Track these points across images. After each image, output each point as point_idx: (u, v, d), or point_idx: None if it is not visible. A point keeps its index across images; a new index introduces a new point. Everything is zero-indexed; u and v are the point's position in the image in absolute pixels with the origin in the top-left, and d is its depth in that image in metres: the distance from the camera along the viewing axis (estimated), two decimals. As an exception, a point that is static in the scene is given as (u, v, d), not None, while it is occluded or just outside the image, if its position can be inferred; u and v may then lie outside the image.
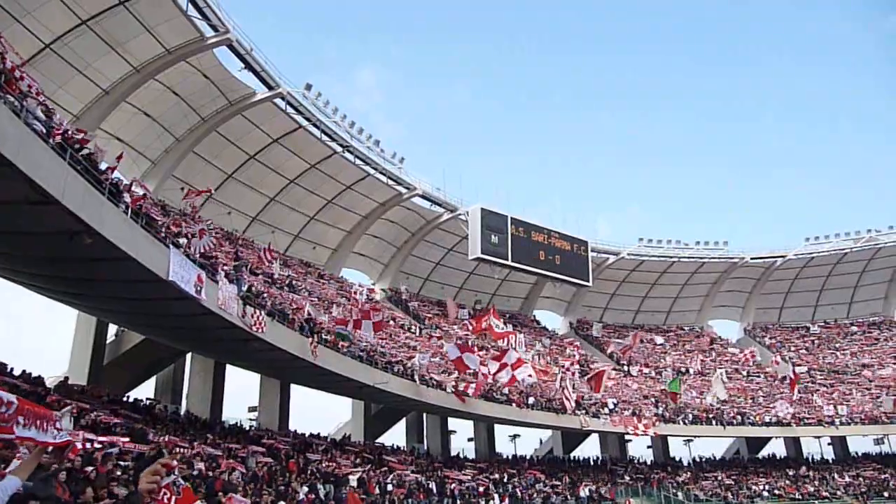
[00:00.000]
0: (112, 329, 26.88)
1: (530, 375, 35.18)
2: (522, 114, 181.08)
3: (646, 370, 51.68)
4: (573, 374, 42.48)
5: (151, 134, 31.44)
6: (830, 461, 49.31)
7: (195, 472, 15.37)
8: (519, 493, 31.91)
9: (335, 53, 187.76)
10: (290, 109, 35.43)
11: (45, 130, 12.91)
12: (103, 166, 15.76)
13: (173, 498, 2.78)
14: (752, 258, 56.96)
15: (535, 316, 58.02)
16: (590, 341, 55.57)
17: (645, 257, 55.54)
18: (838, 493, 41.49)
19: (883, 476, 43.97)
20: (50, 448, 3.82)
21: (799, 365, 54.11)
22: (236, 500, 11.18)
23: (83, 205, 13.20)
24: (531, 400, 37.51)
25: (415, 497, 25.97)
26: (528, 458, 44.29)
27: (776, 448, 51.50)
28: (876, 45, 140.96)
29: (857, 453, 50.34)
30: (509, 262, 45.32)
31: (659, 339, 57.38)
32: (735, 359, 55.69)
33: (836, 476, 44.60)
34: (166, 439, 18.31)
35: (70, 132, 14.57)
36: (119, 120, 29.46)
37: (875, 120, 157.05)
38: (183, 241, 19.39)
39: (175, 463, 2.91)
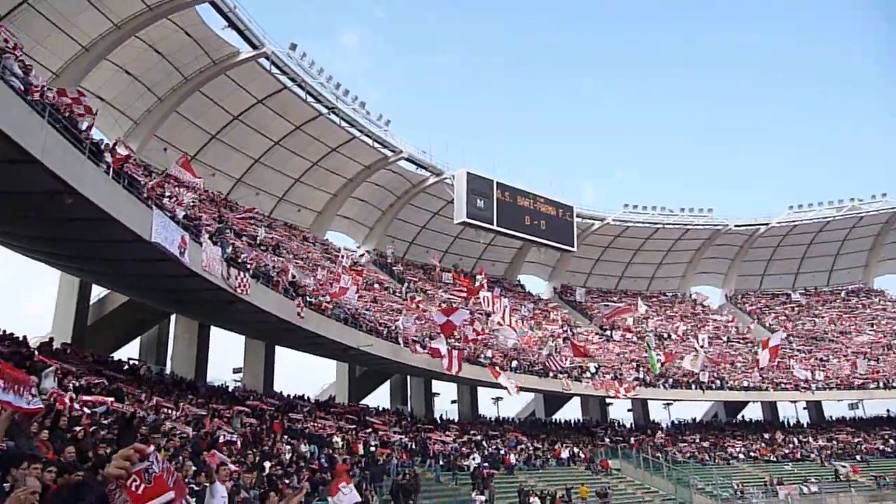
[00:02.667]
0: (96, 290, 26.80)
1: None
2: (508, 79, 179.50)
3: (628, 335, 52.30)
4: (560, 338, 43.01)
5: (133, 93, 30.89)
6: (805, 425, 50.52)
7: (181, 434, 15.51)
8: (514, 458, 32.45)
9: (317, 16, 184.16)
10: (274, 70, 34.86)
11: (23, 87, 12.67)
12: (83, 125, 15.52)
13: (142, 486, 2.69)
14: (735, 225, 57.34)
15: (519, 280, 58.38)
16: (573, 306, 56.06)
17: (630, 223, 55.74)
18: (812, 455, 42.65)
19: (856, 440, 45.22)
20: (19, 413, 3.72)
21: (778, 331, 55.05)
22: (218, 457, 11.29)
23: (63, 164, 13.06)
24: (514, 363, 37.93)
25: (398, 457, 26.35)
26: (510, 420, 44.97)
27: (753, 412, 52.71)
28: (862, 11, 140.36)
29: (831, 417, 51.60)
30: (495, 227, 45.36)
31: (642, 306, 57.96)
32: (716, 324, 56.58)
33: (810, 439, 45.80)
34: (153, 401, 18.43)
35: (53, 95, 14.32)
36: (100, 78, 28.87)
37: (862, 88, 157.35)
38: (167, 201, 19.24)
39: (150, 450, 2.84)
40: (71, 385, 15.51)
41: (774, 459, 41.77)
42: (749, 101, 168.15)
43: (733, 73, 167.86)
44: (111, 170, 15.35)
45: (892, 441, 44.75)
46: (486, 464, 29.44)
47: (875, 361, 48.08)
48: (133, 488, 2.71)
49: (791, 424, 50.88)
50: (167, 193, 20.88)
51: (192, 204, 22.68)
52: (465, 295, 43.39)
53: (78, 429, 11.23)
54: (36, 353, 17.36)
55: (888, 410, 51.36)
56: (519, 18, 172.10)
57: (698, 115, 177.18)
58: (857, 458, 41.68)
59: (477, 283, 41.33)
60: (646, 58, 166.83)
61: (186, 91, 32.53)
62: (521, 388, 39.75)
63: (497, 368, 34.77)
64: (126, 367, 23.73)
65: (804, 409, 52.12)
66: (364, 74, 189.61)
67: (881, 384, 45.56)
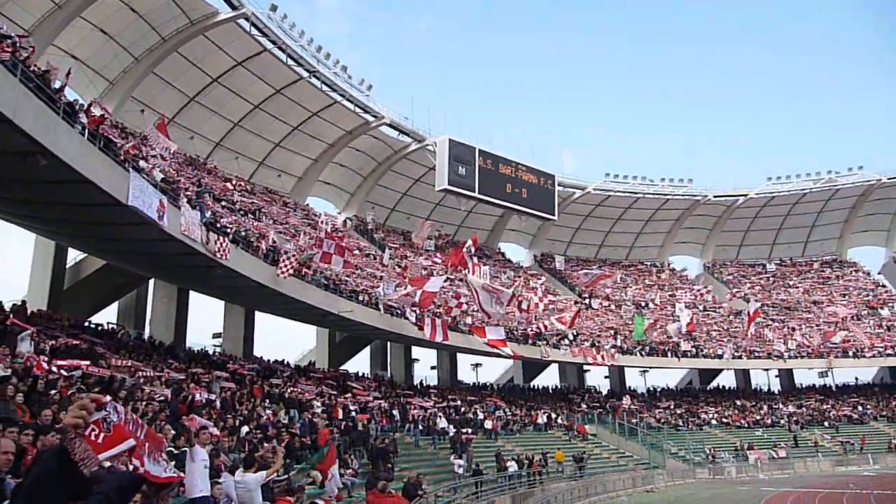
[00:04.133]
0: (73, 253, 26.46)
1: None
2: (488, 44, 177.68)
3: (606, 303, 52.88)
4: (545, 306, 43.29)
5: (109, 53, 30.15)
6: (777, 392, 51.73)
7: (160, 398, 15.50)
8: (492, 423, 32.87)
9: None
10: (254, 31, 34.15)
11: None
12: (57, 85, 15.17)
13: (101, 434, 2.75)
14: (714, 196, 57.77)
15: (500, 248, 58.55)
16: (553, 274, 56.43)
17: (610, 193, 55.91)
18: (782, 421, 43.76)
19: (824, 406, 46.45)
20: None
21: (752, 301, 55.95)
22: (199, 421, 11.35)
23: (36, 124, 12.78)
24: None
25: (378, 422, 26.58)
26: (489, 386, 45.45)
27: (727, 380, 53.81)
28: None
29: (801, 385, 52.86)
30: (476, 194, 45.31)
31: (620, 274, 58.51)
32: (693, 294, 57.31)
33: (780, 406, 46.95)
34: (129, 364, 18.33)
35: (19, 45, 13.93)
36: (74, 37, 28.10)
37: (845, 63, 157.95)
38: (144, 164, 18.93)
39: (107, 399, 2.88)
40: (48, 348, 15.38)
41: (746, 425, 42.81)
42: (738, 72, 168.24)
43: (728, 42, 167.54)
44: (86, 131, 15.06)
45: (859, 408, 46.05)
46: (465, 429, 29.81)
47: (846, 331, 49.14)
48: (92, 437, 2.75)
49: (763, 391, 52.06)
50: (143, 155, 20.53)
51: (162, 175, 21.91)
52: (447, 262, 43.39)
53: (53, 392, 11.19)
54: (11, 316, 17.16)
55: (856, 378, 52.79)
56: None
57: (684, 84, 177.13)
58: (826, 424, 42.85)
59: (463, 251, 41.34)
60: (632, 26, 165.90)
61: (164, 52, 31.81)
62: (500, 355, 40.06)
63: (480, 327, 34.67)
64: (103, 330, 23.56)
65: (776, 376, 53.29)
66: (344, 38, 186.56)
67: (851, 353, 46.65)
